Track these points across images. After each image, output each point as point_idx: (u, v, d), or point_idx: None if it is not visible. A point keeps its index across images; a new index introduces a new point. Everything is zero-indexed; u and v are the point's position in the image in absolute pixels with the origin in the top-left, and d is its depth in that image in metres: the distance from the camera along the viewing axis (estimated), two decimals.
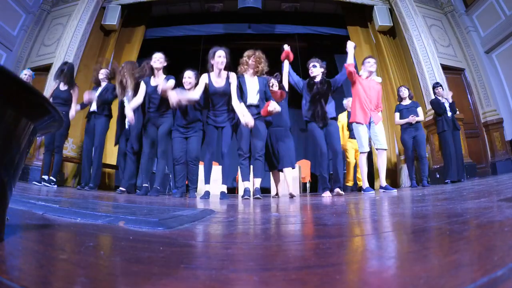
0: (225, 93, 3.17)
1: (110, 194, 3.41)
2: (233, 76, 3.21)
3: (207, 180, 3.17)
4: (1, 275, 0.37)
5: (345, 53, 7.14)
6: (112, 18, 5.90)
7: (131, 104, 3.40)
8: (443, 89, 4.72)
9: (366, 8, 6.27)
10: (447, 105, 4.58)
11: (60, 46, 5.44)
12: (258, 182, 3.22)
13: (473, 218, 0.83)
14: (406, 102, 4.62)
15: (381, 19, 5.99)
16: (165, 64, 3.60)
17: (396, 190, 3.38)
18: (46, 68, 5.46)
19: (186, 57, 7.54)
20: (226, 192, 3.15)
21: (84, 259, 0.49)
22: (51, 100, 3.67)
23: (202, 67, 7.01)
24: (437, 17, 6.39)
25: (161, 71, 3.56)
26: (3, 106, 0.45)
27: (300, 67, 7.00)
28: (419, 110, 4.51)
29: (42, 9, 6.16)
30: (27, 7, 6.05)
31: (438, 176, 4.98)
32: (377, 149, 3.49)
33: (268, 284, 0.37)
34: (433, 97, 5.09)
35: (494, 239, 0.56)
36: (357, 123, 3.42)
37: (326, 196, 3.07)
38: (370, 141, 3.53)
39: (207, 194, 3.06)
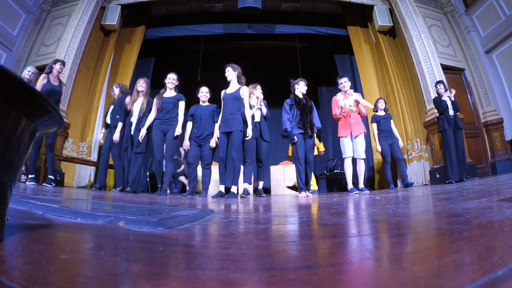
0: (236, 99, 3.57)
1: (114, 194, 3.41)
2: (245, 89, 3.62)
3: (221, 181, 3.57)
4: (1, 275, 0.37)
5: (345, 53, 7.14)
6: (112, 18, 5.90)
7: (147, 123, 3.90)
8: (445, 88, 4.65)
9: (366, 8, 6.27)
10: (449, 103, 4.55)
11: (60, 46, 5.44)
12: (261, 184, 3.94)
13: (473, 218, 0.83)
14: (382, 113, 4.94)
15: (381, 19, 5.98)
16: (177, 83, 4.00)
17: (368, 191, 3.79)
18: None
19: (186, 57, 7.55)
20: (236, 192, 3.43)
21: (84, 259, 0.49)
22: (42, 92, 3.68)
23: (202, 66, 7.04)
24: (437, 17, 6.39)
25: (173, 89, 3.99)
26: (3, 106, 0.45)
27: (300, 67, 7.00)
28: (392, 121, 4.91)
29: (42, 9, 6.15)
30: (27, 7, 6.05)
31: (438, 176, 4.98)
32: (355, 157, 3.96)
33: (268, 284, 0.37)
34: (433, 96, 5.12)
35: (494, 239, 0.56)
36: (341, 137, 4.02)
37: (301, 196, 3.42)
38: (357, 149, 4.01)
39: (220, 194, 3.43)
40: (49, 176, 3.95)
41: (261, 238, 0.73)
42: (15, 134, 0.49)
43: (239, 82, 3.65)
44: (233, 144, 3.43)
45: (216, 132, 3.77)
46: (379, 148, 4.80)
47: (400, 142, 4.87)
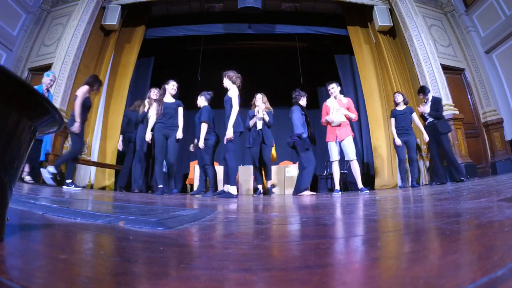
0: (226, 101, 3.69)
1: (116, 194, 3.41)
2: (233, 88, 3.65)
3: (225, 181, 3.77)
4: (1, 275, 0.37)
5: (345, 53, 7.15)
6: (112, 18, 5.89)
7: (150, 127, 4.08)
8: (425, 93, 4.68)
9: (366, 8, 6.26)
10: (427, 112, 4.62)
11: (60, 46, 5.44)
12: (269, 183, 4.39)
13: (473, 218, 0.83)
14: (401, 107, 4.70)
15: (381, 19, 5.98)
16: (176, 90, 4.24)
17: (368, 191, 3.88)
18: (46, 68, 5.45)
19: (186, 57, 7.55)
20: (233, 193, 3.49)
21: (84, 259, 0.49)
22: (83, 108, 3.92)
23: (202, 66, 7.04)
24: (437, 17, 6.39)
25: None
26: (3, 106, 0.45)
27: (300, 67, 7.00)
28: (414, 115, 4.60)
29: (42, 9, 6.15)
30: (27, 7, 6.05)
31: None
32: (346, 160, 4.13)
33: (268, 284, 0.37)
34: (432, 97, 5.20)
35: (494, 239, 0.56)
36: (328, 141, 4.16)
37: (305, 194, 3.81)
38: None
39: (223, 192, 3.62)
40: (67, 180, 4.01)
41: (261, 238, 0.73)
42: (15, 134, 0.49)
43: (234, 84, 3.72)
44: (225, 146, 3.57)
45: (202, 134, 4.07)
46: (398, 142, 4.59)
47: (425, 136, 4.52)
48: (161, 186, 3.92)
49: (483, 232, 0.63)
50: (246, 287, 0.37)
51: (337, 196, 3.45)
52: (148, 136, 4.00)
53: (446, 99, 5.24)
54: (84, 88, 3.93)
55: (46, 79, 4.18)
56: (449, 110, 5.15)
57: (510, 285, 0.32)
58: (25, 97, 0.47)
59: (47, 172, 3.78)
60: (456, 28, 6.33)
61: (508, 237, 0.56)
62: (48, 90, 4.23)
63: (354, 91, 6.57)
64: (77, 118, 3.83)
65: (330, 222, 1.02)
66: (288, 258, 0.52)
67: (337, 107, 4.07)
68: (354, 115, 4.09)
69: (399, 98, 4.71)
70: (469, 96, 6.08)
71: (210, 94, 4.42)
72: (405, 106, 4.69)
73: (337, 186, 4.05)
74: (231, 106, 3.53)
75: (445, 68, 5.68)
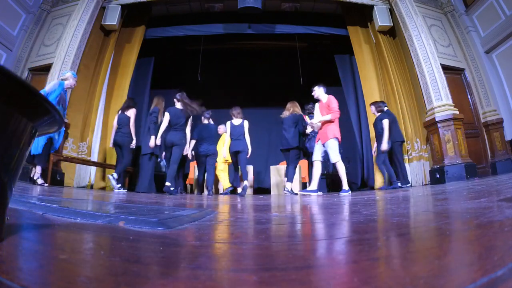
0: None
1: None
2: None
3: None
4: (1, 275, 0.37)
5: (345, 53, 7.15)
6: (112, 18, 5.89)
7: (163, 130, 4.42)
8: (376, 108, 4.96)
9: (366, 8, 6.26)
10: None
11: (60, 46, 5.43)
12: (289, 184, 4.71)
13: (473, 218, 0.83)
14: (377, 116, 5.00)
15: (381, 19, 5.98)
16: None
17: (346, 193, 3.80)
18: (46, 68, 5.46)
19: (186, 57, 7.55)
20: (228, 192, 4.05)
21: (84, 259, 0.49)
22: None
23: (202, 66, 7.04)
24: (437, 17, 6.39)
25: None
26: (3, 106, 0.45)
27: (300, 67, 7.00)
28: (383, 122, 4.78)
29: (42, 9, 6.14)
30: (27, 7, 6.04)
31: (438, 176, 4.98)
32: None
33: (268, 284, 0.37)
34: (432, 96, 5.21)
35: (494, 239, 0.56)
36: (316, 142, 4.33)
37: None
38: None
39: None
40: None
41: (261, 238, 0.73)
42: (15, 134, 0.49)
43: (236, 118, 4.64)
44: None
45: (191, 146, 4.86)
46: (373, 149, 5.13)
47: (383, 145, 4.70)
48: (169, 184, 4.06)
49: (483, 232, 0.63)
50: (246, 287, 0.37)
51: (314, 195, 3.60)
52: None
53: (446, 99, 5.24)
54: (135, 110, 4.69)
55: (73, 80, 4.12)
56: (449, 110, 5.15)
57: (510, 285, 0.32)
58: (25, 97, 0.47)
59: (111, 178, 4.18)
60: (456, 28, 6.32)
61: (508, 237, 0.56)
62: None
63: (354, 91, 6.57)
64: (134, 136, 4.49)
65: (329, 222, 1.02)
66: (288, 258, 0.52)
67: (317, 110, 4.25)
68: (328, 116, 3.98)
69: (372, 109, 5.09)
70: (469, 96, 6.07)
71: (209, 113, 4.93)
72: (378, 114, 4.96)
73: (314, 186, 3.97)
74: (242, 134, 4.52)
75: (445, 68, 5.67)
